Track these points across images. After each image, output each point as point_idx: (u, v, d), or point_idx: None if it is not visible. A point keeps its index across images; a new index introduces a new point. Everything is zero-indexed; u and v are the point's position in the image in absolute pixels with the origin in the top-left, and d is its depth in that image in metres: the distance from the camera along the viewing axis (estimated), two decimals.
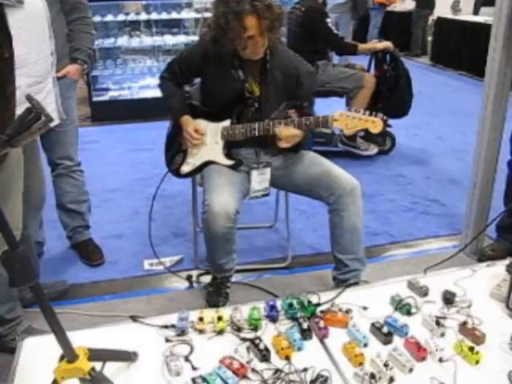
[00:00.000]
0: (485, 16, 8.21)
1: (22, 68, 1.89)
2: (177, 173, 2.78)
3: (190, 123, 2.68)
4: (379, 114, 2.32)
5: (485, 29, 6.50)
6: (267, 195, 2.69)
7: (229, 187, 2.49)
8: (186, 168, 2.75)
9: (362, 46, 4.75)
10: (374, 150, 4.86)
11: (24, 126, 1.11)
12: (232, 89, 2.59)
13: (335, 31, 4.58)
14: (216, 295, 2.70)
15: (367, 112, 2.35)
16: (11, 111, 1.85)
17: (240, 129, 2.57)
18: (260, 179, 2.62)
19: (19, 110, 1.87)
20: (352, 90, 4.65)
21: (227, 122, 2.63)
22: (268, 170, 2.63)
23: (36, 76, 1.98)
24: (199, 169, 2.72)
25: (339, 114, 2.36)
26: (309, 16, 4.59)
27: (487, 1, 8.32)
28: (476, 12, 10.13)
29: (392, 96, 4.59)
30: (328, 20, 4.53)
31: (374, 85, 4.62)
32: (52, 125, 1.23)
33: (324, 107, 4.88)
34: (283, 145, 2.48)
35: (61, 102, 2.83)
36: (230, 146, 2.66)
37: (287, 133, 2.44)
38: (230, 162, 2.64)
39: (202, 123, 2.69)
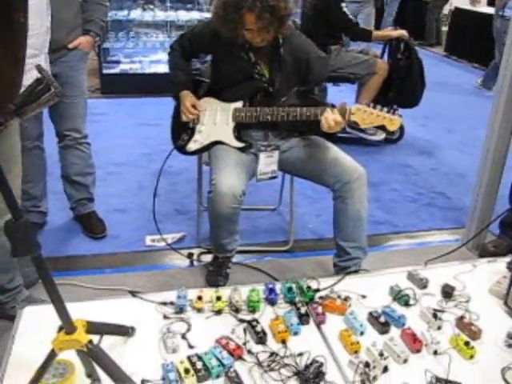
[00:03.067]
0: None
1: (29, 38, 1.88)
2: (183, 150, 2.77)
3: (188, 97, 2.67)
4: (397, 112, 2.30)
5: None
6: (275, 178, 2.68)
7: (236, 168, 2.49)
8: (193, 146, 2.74)
9: (376, 33, 4.70)
10: (381, 135, 4.82)
11: (33, 96, 1.11)
12: (242, 70, 2.57)
13: (350, 16, 4.52)
14: (216, 275, 2.71)
15: (385, 109, 2.32)
16: (21, 76, 1.84)
17: (253, 112, 2.55)
18: (268, 162, 2.61)
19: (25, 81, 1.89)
20: (364, 76, 4.61)
21: (239, 104, 2.61)
22: (276, 153, 2.62)
23: (34, 48, 1.99)
24: (207, 148, 2.71)
25: (357, 108, 2.32)
26: (324, 0, 4.54)
27: None
28: (492, 2, 10.02)
29: (403, 85, 4.54)
30: (343, 4, 4.46)
31: (387, 72, 4.58)
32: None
33: (336, 92, 4.88)
34: (328, 130, 2.37)
35: (70, 74, 2.84)
36: (240, 127, 2.65)
37: (334, 119, 2.33)
38: (240, 145, 2.63)
39: (213, 102, 2.67)
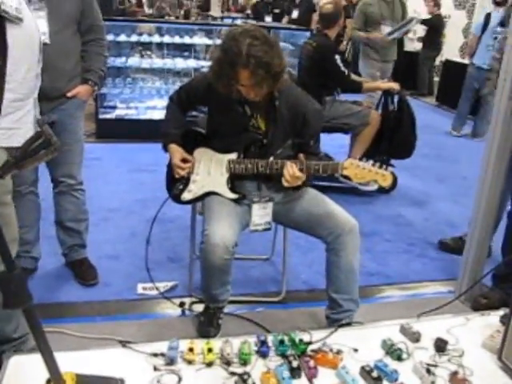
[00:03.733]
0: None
1: (8, 83, 1.93)
2: (177, 199, 2.78)
3: (176, 152, 2.69)
4: (389, 168, 2.35)
5: None
6: (269, 229, 2.69)
7: (229, 219, 2.50)
8: (187, 195, 2.75)
9: (367, 85, 4.78)
10: (373, 186, 4.81)
11: (32, 150, 1.12)
12: (237, 123, 2.60)
13: (343, 68, 4.56)
14: (208, 325, 2.68)
15: (377, 164, 2.37)
16: None
17: (247, 164, 2.57)
18: (262, 213, 2.62)
19: (2, 124, 1.91)
20: (358, 126, 4.68)
21: (234, 155, 2.63)
22: (270, 205, 2.63)
23: (19, 93, 2.02)
24: (201, 198, 2.72)
25: (349, 163, 2.38)
26: (319, 52, 4.62)
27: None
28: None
29: (395, 137, 4.60)
30: (337, 57, 4.54)
31: (379, 123, 4.66)
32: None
33: (328, 140, 4.92)
34: (286, 184, 2.50)
35: (68, 121, 2.87)
36: (234, 179, 2.66)
37: (292, 174, 2.44)
38: (233, 196, 2.65)
39: (208, 152, 2.70)
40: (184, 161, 2.68)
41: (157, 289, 3.02)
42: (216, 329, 2.68)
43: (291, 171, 2.43)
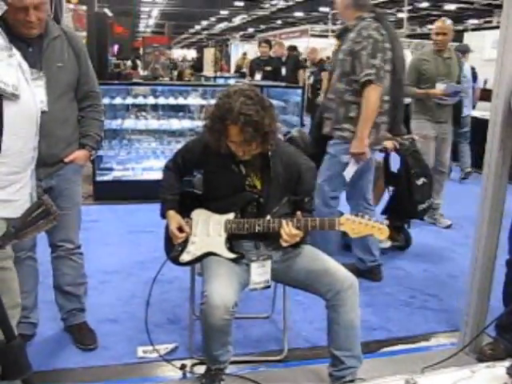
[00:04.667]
0: (481, 111, 8.40)
1: (4, 157, 1.98)
2: (176, 261, 2.79)
3: (173, 220, 2.73)
4: (385, 221, 2.39)
5: (482, 123, 6.63)
6: (268, 287, 2.69)
7: (228, 279, 2.50)
8: (186, 257, 2.76)
9: None
10: (387, 243, 4.72)
11: (32, 220, 1.14)
12: (233, 183, 2.64)
13: None
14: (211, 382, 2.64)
15: (373, 218, 2.41)
16: None
17: (245, 224, 2.60)
18: (260, 271, 2.62)
19: None
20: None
21: (231, 216, 2.65)
22: (269, 263, 2.64)
23: (15, 166, 2.06)
24: (199, 258, 2.73)
25: (346, 219, 2.44)
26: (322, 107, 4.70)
27: (484, 96, 8.60)
28: (473, 106, 10.45)
29: (395, 195, 4.62)
30: None
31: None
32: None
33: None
34: (284, 244, 2.54)
35: (66, 186, 2.90)
36: (232, 238, 2.68)
37: (289, 232, 2.49)
38: (232, 256, 2.66)
39: (205, 213, 2.72)
40: (180, 229, 2.71)
41: (157, 351, 2.98)
42: None
43: (287, 230, 2.48)
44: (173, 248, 2.78)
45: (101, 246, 4.63)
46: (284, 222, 2.50)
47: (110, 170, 6.65)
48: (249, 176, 2.64)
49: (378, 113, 3.72)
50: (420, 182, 4.47)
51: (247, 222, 2.59)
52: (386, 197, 4.79)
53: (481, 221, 3.01)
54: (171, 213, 2.75)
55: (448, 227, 5.64)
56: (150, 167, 6.67)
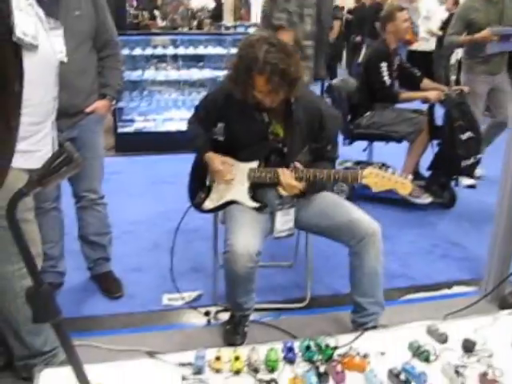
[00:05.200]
0: None
1: (26, 108, 1.99)
2: (199, 208, 2.80)
3: (215, 158, 2.68)
4: (409, 176, 2.35)
5: None
6: (291, 235, 2.70)
7: (252, 227, 2.51)
8: (209, 204, 2.77)
9: (403, 96, 4.57)
10: (427, 199, 4.61)
11: (54, 168, 1.15)
12: (256, 131, 2.62)
13: (385, 78, 4.42)
14: (233, 333, 2.70)
15: (397, 172, 2.38)
16: (12, 144, 1.94)
17: (267, 172, 2.59)
18: (285, 219, 2.63)
19: (18, 146, 1.96)
20: (409, 134, 4.49)
21: (255, 164, 2.64)
22: (292, 211, 2.64)
23: (37, 116, 2.07)
24: (222, 206, 2.74)
25: (369, 172, 2.41)
26: (369, 55, 4.64)
27: None
28: None
29: (440, 151, 4.43)
30: (383, 64, 4.42)
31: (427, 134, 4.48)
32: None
33: (384, 148, 4.89)
34: (283, 192, 2.55)
35: (88, 137, 2.91)
36: (255, 187, 2.68)
37: (288, 183, 2.50)
38: (255, 205, 2.66)
39: (228, 161, 2.71)
40: (224, 165, 2.68)
41: (182, 298, 3.03)
42: (242, 337, 2.69)
43: (287, 179, 2.49)
44: (196, 195, 2.79)
45: (124, 197, 4.67)
46: (280, 170, 2.51)
47: (132, 121, 6.65)
48: (271, 124, 2.62)
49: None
50: (465, 136, 4.24)
51: (270, 170, 2.58)
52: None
53: (506, 163, 2.96)
54: (209, 154, 2.70)
55: (471, 187, 5.25)
56: (171, 118, 6.65)
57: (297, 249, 3.48)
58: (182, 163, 2.90)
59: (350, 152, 4.89)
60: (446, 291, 3.34)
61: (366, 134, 4.74)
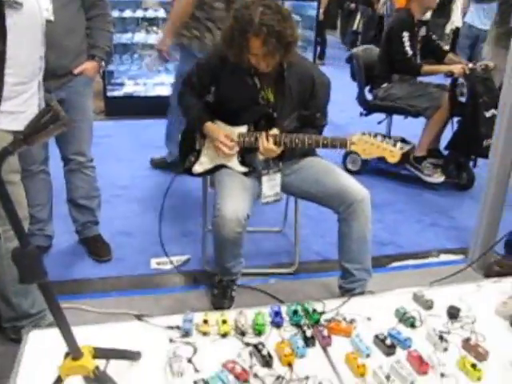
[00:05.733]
0: None
1: (10, 68, 1.96)
2: (189, 171, 2.79)
3: (217, 130, 2.64)
4: (399, 144, 2.33)
5: None
6: (278, 201, 2.70)
7: (240, 192, 2.50)
8: (198, 168, 2.76)
9: (425, 69, 4.30)
10: (439, 178, 4.40)
11: (41, 126, 1.13)
12: (247, 95, 2.59)
13: (406, 49, 4.24)
14: (221, 297, 2.71)
15: (387, 140, 2.36)
16: None
17: (257, 136, 2.57)
18: (271, 184, 2.62)
19: (3, 107, 1.93)
20: (426, 109, 4.32)
21: (244, 129, 2.62)
22: (278, 176, 2.63)
23: (22, 77, 2.04)
24: (212, 170, 2.73)
25: (358, 139, 2.37)
26: (391, 24, 4.47)
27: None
28: None
29: (462, 128, 4.22)
30: (405, 34, 4.24)
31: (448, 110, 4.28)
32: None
33: (403, 123, 4.76)
34: (260, 156, 2.56)
35: (76, 98, 2.87)
36: (244, 152, 2.66)
37: (265, 146, 2.49)
38: (243, 169, 2.65)
39: (218, 125, 2.69)
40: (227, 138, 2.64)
41: (171, 262, 3.04)
42: (230, 301, 2.71)
43: (265, 143, 2.48)
44: (186, 159, 2.78)
45: (113, 161, 4.65)
46: (258, 134, 2.52)
47: (121, 85, 6.55)
48: (263, 89, 2.59)
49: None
50: (489, 113, 4.02)
51: (260, 134, 2.56)
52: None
53: (497, 133, 2.96)
54: (209, 124, 2.67)
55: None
56: (162, 82, 6.56)
57: (286, 214, 3.49)
58: None
59: (369, 125, 4.54)
60: (433, 259, 3.38)
61: (382, 107, 4.57)
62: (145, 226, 3.55)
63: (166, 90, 6.23)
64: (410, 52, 4.27)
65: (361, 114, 4.68)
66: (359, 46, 5.72)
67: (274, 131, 2.51)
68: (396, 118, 4.80)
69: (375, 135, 2.38)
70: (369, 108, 4.66)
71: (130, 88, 6.49)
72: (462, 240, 3.56)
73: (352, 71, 4.66)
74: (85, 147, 3.05)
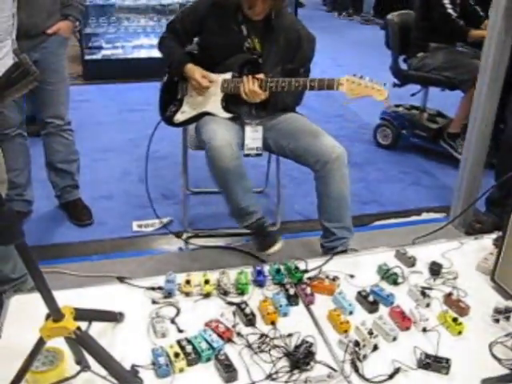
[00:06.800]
0: None
1: None
2: (170, 121, 2.76)
3: (196, 71, 2.62)
4: (386, 84, 2.32)
5: None
6: (260, 155, 2.66)
7: (227, 128, 2.52)
8: (180, 117, 2.73)
9: (474, 33, 3.89)
10: None
11: (11, 81, 1.09)
12: (233, 43, 2.59)
13: (449, 10, 3.91)
14: (264, 239, 2.65)
15: (374, 80, 2.35)
16: None
17: (238, 82, 2.55)
18: (254, 136, 2.60)
19: None
20: (465, 82, 3.88)
21: (228, 75, 2.61)
22: (260, 128, 2.62)
23: None
24: (194, 119, 2.70)
25: (345, 79, 2.37)
26: None
27: None
28: None
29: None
30: None
31: None
32: None
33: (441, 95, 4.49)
34: (245, 97, 2.52)
35: (51, 60, 2.80)
36: (228, 99, 2.64)
37: (251, 88, 2.46)
38: (227, 115, 2.64)
39: (208, 75, 2.65)
40: (204, 78, 2.62)
41: (152, 225, 3.03)
42: (275, 238, 2.66)
43: (250, 85, 2.46)
44: (167, 109, 2.74)
45: (93, 126, 4.58)
46: (245, 77, 2.49)
47: (99, 48, 6.43)
48: (249, 37, 2.59)
49: None
50: None
51: (240, 81, 2.54)
52: None
53: (479, 90, 2.96)
54: (189, 65, 2.64)
55: None
56: (140, 45, 6.44)
57: (267, 175, 3.48)
58: (151, 91, 2.82)
59: (406, 98, 4.50)
60: (415, 218, 3.39)
61: (416, 77, 4.23)
62: (126, 190, 3.53)
63: (145, 53, 6.13)
64: (453, 13, 3.93)
65: (394, 85, 4.22)
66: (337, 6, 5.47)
67: (260, 75, 2.49)
68: (432, 90, 4.43)
69: (361, 76, 2.37)
70: (402, 78, 4.30)
71: (107, 51, 6.38)
72: (443, 198, 3.57)
73: (386, 39, 4.34)
74: (62, 110, 2.99)
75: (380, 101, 2.34)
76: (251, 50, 2.60)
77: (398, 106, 4.62)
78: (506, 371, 1.62)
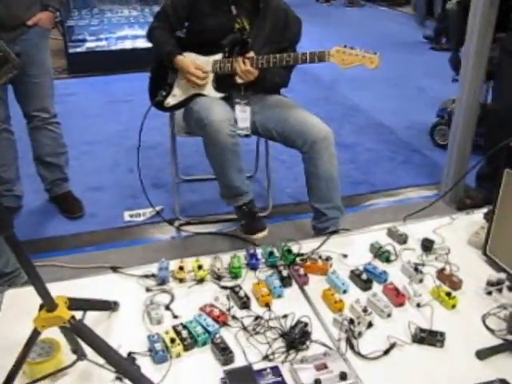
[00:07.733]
0: None
1: None
2: (161, 106, 2.75)
3: (189, 63, 2.62)
4: (377, 53, 2.31)
5: None
6: (248, 136, 2.64)
7: (223, 107, 2.51)
8: (171, 100, 2.72)
9: None
10: None
11: None
12: (223, 23, 2.59)
13: None
14: (252, 222, 2.65)
15: (364, 49, 2.35)
16: None
17: (229, 62, 2.56)
18: (243, 116, 2.59)
19: None
20: None
21: (219, 56, 2.61)
22: (248, 109, 2.61)
23: None
24: (185, 102, 2.70)
25: (336, 50, 2.37)
26: None
27: None
28: None
29: None
30: None
31: None
32: None
33: None
34: (239, 80, 2.53)
35: (33, 52, 2.77)
36: (219, 79, 2.64)
37: (243, 68, 2.48)
38: (219, 95, 2.64)
39: (191, 56, 2.65)
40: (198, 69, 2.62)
41: (144, 214, 3.02)
42: (262, 222, 2.67)
43: (242, 66, 2.48)
44: (157, 93, 2.73)
45: (80, 118, 4.54)
46: (234, 59, 2.52)
47: (83, 41, 6.36)
48: (239, 17, 2.59)
49: None
50: None
51: (231, 61, 2.55)
52: None
53: (465, 65, 2.96)
54: (180, 57, 2.63)
55: None
56: (125, 36, 6.38)
57: (257, 159, 3.46)
58: (137, 81, 2.80)
59: None
60: (406, 196, 3.41)
61: None
62: (116, 181, 3.51)
63: (129, 44, 6.08)
64: None
65: (453, 80, 3.77)
66: None
67: (251, 54, 2.50)
68: None
69: (351, 47, 2.36)
70: None
71: (91, 44, 6.32)
72: (434, 176, 3.59)
73: (445, 30, 4.26)
74: (47, 103, 2.97)
75: (372, 69, 2.33)
76: (241, 30, 2.60)
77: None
78: (499, 341, 1.64)
